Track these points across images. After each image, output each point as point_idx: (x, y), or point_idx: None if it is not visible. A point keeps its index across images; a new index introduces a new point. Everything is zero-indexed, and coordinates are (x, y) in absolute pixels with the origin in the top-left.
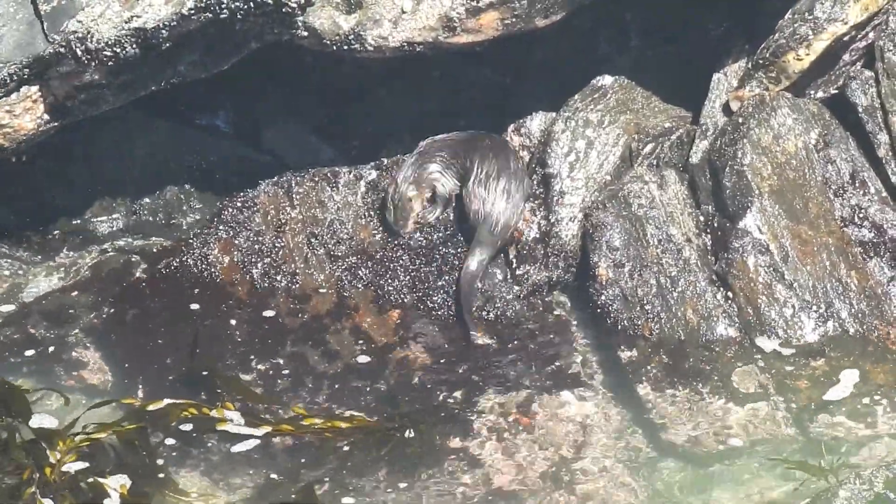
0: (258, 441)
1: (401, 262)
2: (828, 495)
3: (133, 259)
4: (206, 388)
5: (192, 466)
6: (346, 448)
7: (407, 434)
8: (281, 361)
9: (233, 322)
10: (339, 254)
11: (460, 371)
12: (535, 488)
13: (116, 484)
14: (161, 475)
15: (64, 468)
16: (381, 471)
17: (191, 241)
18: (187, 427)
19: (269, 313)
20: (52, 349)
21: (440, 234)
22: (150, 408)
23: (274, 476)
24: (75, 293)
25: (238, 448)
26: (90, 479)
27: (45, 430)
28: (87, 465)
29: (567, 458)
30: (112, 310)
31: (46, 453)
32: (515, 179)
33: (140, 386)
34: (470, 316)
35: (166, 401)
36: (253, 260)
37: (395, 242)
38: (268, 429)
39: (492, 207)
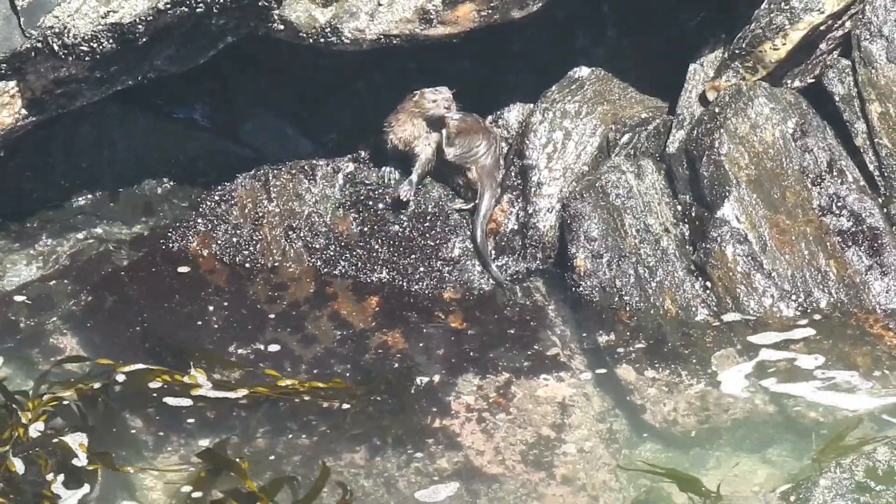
0: (226, 407)
1: (380, 254)
2: (808, 484)
3: (111, 247)
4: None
5: (157, 427)
6: (322, 429)
7: (382, 397)
8: (261, 348)
9: (211, 308)
10: (318, 246)
11: (439, 355)
12: (515, 470)
13: (75, 443)
14: (124, 433)
15: (33, 428)
16: (359, 452)
17: (169, 233)
18: (157, 391)
19: (247, 301)
20: (31, 336)
21: (420, 226)
22: (124, 370)
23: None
24: (54, 281)
25: (208, 414)
26: (55, 440)
27: (14, 392)
28: (53, 424)
29: (547, 439)
30: (90, 297)
31: (18, 414)
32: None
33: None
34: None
35: (139, 365)
36: (231, 253)
37: (374, 233)
38: (243, 391)
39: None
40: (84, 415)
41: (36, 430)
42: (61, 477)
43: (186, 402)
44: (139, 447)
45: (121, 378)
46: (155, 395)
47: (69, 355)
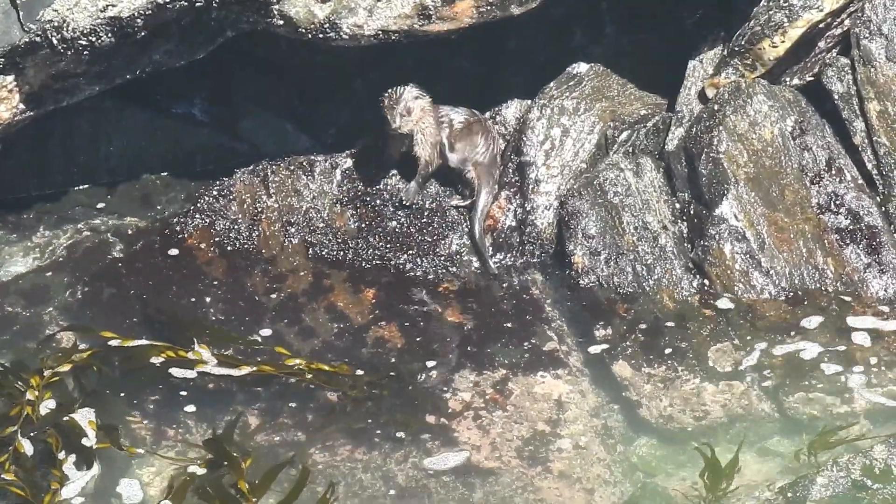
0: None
1: (377, 249)
2: (805, 482)
3: (109, 239)
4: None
5: (159, 409)
6: (319, 420)
7: (383, 391)
8: (257, 340)
9: (208, 300)
10: (315, 242)
11: (436, 350)
12: (511, 466)
13: (84, 420)
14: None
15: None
16: (358, 449)
17: (167, 227)
18: (160, 367)
19: (245, 293)
20: (28, 328)
21: (418, 222)
22: (128, 344)
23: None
24: (51, 273)
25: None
26: (66, 418)
27: (12, 368)
28: (59, 402)
29: (543, 435)
30: (87, 289)
31: (24, 392)
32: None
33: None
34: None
35: (143, 341)
36: (229, 248)
37: (372, 228)
38: (248, 369)
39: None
40: (84, 388)
41: (46, 407)
42: (71, 457)
43: (191, 373)
44: (140, 427)
45: (123, 353)
46: (158, 369)
47: (72, 324)
